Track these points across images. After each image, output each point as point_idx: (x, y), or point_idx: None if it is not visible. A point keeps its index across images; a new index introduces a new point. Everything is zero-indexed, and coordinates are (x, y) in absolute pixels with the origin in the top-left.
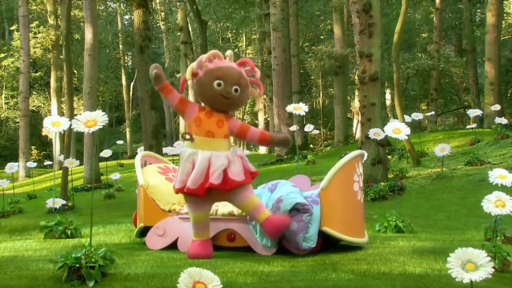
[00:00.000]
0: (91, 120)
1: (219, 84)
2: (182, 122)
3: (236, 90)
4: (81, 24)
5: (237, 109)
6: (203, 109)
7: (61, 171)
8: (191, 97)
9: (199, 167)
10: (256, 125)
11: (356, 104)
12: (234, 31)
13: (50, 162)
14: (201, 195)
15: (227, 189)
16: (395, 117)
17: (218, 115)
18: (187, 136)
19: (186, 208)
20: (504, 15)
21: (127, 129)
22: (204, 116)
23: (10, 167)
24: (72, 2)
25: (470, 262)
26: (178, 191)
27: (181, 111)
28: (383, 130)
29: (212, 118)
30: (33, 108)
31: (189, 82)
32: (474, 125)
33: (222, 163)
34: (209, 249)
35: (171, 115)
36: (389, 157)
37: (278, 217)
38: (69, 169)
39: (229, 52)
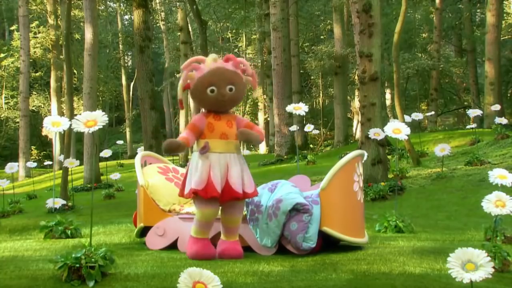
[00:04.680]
0: (91, 120)
1: (212, 91)
2: (182, 122)
3: (230, 90)
4: (81, 24)
5: (236, 105)
6: (209, 114)
7: (61, 171)
8: (191, 105)
9: (218, 170)
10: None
11: (356, 104)
12: (234, 31)
13: (50, 162)
14: (222, 200)
15: (240, 198)
16: (395, 117)
17: (225, 116)
18: (206, 149)
19: (197, 204)
20: (504, 15)
21: (127, 129)
22: (213, 120)
23: (10, 167)
24: (72, 2)
25: (470, 262)
26: (196, 192)
27: (200, 134)
28: (383, 130)
29: (222, 120)
30: (33, 108)
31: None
32: (474, 125)
33: (239, 169)
34: (213, 249)
35: (171, 115)
36: (389, 157)
37: (236, 248)
38: (69, 169)
39: (212, 56)
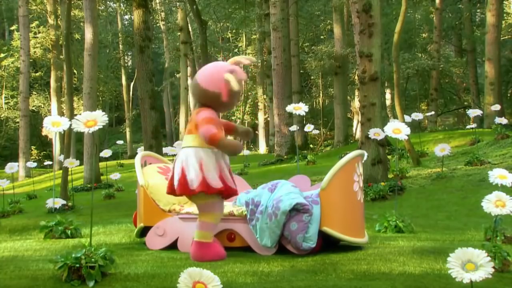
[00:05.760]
0: (91, 120)
1: (237, 100)
2: (182, 122)
3: (238, 99)
4: (81, 24)
5: None
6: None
7: (61, 171)
8: (191, 99)
9: (226, 168)
10: (256, 125)
11: (356, 104)
12: (234, 31)
13: (50, 162)
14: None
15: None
16: (395, 117)
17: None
18: None
19: (207, 209)
20: (504, 15)
21: (127, 129)
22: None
23: (10, 167)
24: (72, 2)
25: (470, 262)
26: (222, 190)
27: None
28: (383, 130)
29: None
30: (33, 108)
31: (189, 82)
32: (474, 125)
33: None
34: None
35: (171, 115)
36: (389, 157)
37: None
38: (69, 169)
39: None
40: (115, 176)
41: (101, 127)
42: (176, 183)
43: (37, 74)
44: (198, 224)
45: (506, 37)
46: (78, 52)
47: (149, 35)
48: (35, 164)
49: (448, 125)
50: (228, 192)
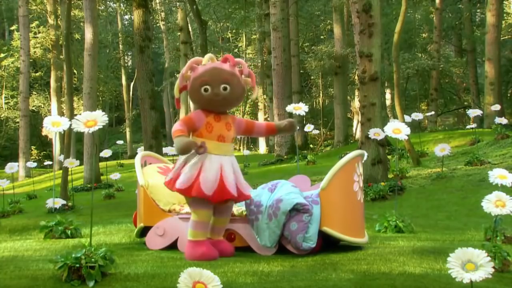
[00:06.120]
0: (91, 120)
1: (206, 90)
2: None
3: (225, 89)
4: (81, 24)
5: (236, 105)
6: (210, 113)
7: (61, 171)
8: (191, 105)
9: (211, 172)
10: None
11: (356, 104)
12: (234, 31)
13: (50, 162)
14: (214, 201)
15: (238, 200)
16: (395, 117)
17: (225, 117)
18: (202, 150)
19: (192, 206)
20: (504, 15)
21: (127, 129)
22: (213, 121)
23: (10, 167)
24: (72, 2)
25: (470, 262)
26: (182, 191)
27: (193, 130)
28: (383, 130)
29: (221, 121)
30: (33, 108)
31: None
32: (474, 125)
33: (233, 170)
34: (215, 249)
35: (171, 115)
36: (389, 157)
37: (227, 246)
38: (69, 169)
39: (208, 56)
40: (115, 176)
41: (101, 127)
42: (169, 177)
43: (37, 74)
44: (190, 223)
45: (506, 37)
46: (78, 52)
47: (149, 35)
48: (35, 164)
49: (448, 125)
50: (190, 195)
